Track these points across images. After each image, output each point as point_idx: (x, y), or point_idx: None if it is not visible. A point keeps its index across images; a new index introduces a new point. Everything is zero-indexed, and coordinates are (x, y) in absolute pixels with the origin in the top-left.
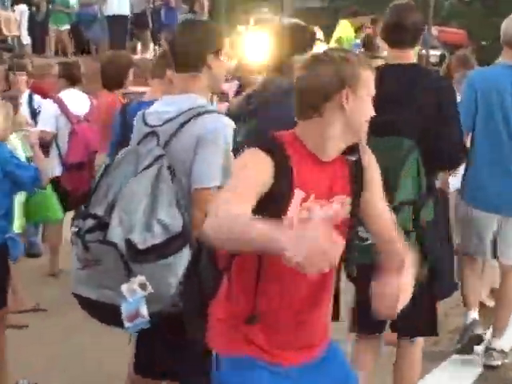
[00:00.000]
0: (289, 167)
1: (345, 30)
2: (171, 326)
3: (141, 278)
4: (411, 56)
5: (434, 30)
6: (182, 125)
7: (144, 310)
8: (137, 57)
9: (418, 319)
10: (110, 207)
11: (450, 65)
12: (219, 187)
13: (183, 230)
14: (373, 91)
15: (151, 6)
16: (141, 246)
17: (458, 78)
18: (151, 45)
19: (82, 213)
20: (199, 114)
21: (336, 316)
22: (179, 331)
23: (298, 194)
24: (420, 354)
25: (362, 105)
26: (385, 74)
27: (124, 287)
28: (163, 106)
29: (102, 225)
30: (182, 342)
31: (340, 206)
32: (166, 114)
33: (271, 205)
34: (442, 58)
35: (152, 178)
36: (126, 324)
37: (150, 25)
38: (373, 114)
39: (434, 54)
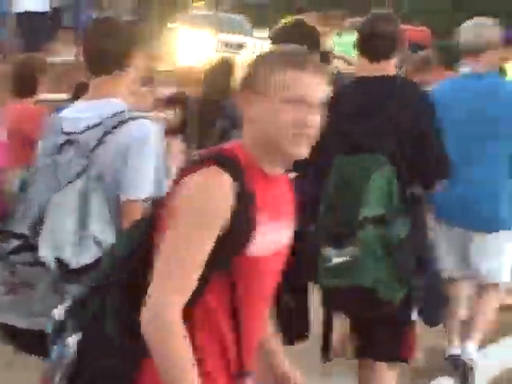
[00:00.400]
0: (250, 188)
1: None
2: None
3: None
4: (390, 68)
5: None
6: (106, 133)
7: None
8: (57, 59)
9: (390, 343)
10: (36, 225)
11: (410, 67)
12: (148, 199)
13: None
14: (305, 96)
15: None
16: (73, 266)
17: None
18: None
19: (2, 233)
20: (124, 122)
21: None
22: None
23: (261, 219)
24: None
25: (272, 111)
26: (358, 88)
27: (56, 312)
28: (79, 111)
29: (29, 245)
30: None
31: (287, 231)
32: (85, 121)
33: (232, 240)
34: (404, 58)
35: (80, 190)
36: (54, 355)
37: (73, 23)
38: (304, 123)
39: None
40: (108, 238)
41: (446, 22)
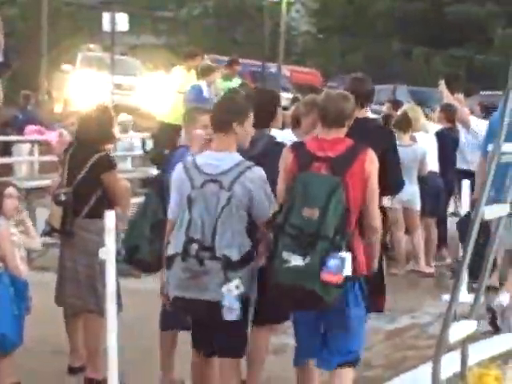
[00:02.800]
0: None
1: (180, 76)
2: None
3: (236, 281)
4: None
5: (286, 71)
6: (239, 175)
7: (237, 305)
8: None
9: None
10: (212, 233)
11: (297, 110)
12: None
13: (251, 248)
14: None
15: None
16: (234, 259)
17: (306, 125)
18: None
19: (186, 239)
20: (248, 167)
21: None
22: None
23: None
24: None
25: None
26: None
27: (224, 288)
28: (212, 159)
29: (205, 247)
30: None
31: None
32: (221, 166)
33: None
34: (295, 101)
35: (229, 212)
36: (226, 315)
37: None
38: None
39: (286, 96)
40: (247, 243)
41: (337, 65)
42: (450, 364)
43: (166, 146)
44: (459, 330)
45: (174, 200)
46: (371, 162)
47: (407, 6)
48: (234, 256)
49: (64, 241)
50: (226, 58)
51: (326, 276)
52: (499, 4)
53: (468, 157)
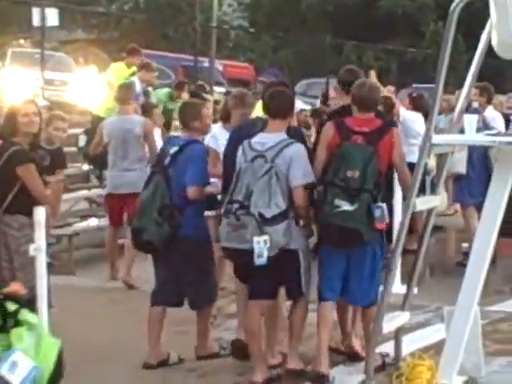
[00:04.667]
0: None
1: (117, 73)
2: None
3: (266, 236)
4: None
5: (219, 65)
6: (281, 149)
7: (265, 254)
8: None
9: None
10: (248, 196)
11: (227, 104)
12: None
13: (285, 209)
14: None
15: None
16: (267, 216)
17: (236, 118)
18: None
19: (229, 200)
20: (290, 143)
21: None
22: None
23: None
24: None
25: None
26: None
27: (256, 239)
28: (262, 139)
29: (243, 206)
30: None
31: None
32: (267, 144)
33: None
34: (227, 95)
35: (268, 179)
36: (256, 260)
37: None
38: None
39: (219, 90)
40: (282, 204)
41: (269, 59)
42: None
43: None
44: (392, 321)
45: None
46: (396, 136)
47: (339, 0)
48: (268, 214)
49: None
50: (158, 53)
51: (378, 224)
52: None
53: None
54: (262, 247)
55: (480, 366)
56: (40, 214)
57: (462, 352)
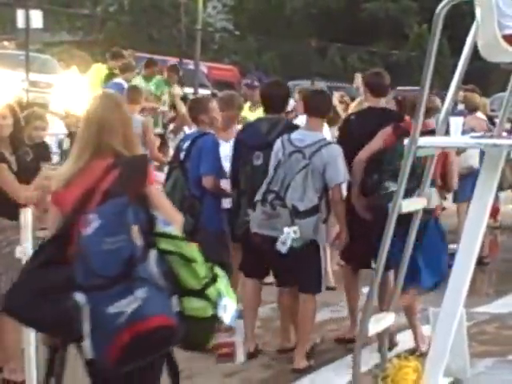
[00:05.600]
0: None
1: (96, 73)
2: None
3: (295, 227)
4: None
5: (203, 67)
6: (319, 148)
7: (289, 243)
8: None
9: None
10: (285, 188)
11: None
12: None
13: (317, 204)
14: None
15: None
16: (300, 209)
17: (223, 120)
18: None
19: (266, 190)
20: (327, 143)
21: None
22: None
23: None
24: None
25: None
26: None
27: (286, 229)
28: (302, 135)
29: (279, 197)
30: None
31: None
32: (306, 141)
33: None
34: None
35: (304, 175)
36: (278, 245)
37: None
38: None
39: (204, 93)
40: (314, 199)
41: (254, 62)
42: (370, 356)
43: None
44: (378, 323)
45: (271, 163)
46: None
47: (323, 2)
48: (301, 207)
49: None
50: (145, 55)
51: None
52: (414, 0)
53: None
54: (289, 236)
55: (466, 367)
56: (26, 215)
57: (447, 353)
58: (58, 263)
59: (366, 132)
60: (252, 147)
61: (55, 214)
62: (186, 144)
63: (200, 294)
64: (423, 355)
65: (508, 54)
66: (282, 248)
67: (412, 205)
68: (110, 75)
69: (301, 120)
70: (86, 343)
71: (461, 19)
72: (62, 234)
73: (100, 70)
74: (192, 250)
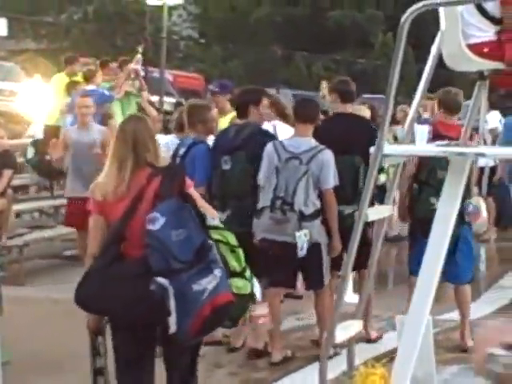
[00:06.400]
0: None
1: (58, 84)
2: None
3: (306, 230)
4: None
5: (169, 75)
6: (315, 154)
7: (306, 246)
8: None
9: None
10: (292, 194)
11: (181, 115)
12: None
13: (319, 208)
14: None
15: None
16: (306, 213)
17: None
18: None
19: (273, 196)
20: (322, 149)
21: None
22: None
23: None
24: None
25: None
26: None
27: (297, 234)
28: (295, 142)
29: (287, 202)
30: None
31: None
32: (301, 148)
33: None
34: (178, 105)
35: (306, 181)
36: (299, 253)
37: None
38: None
39: (169, 101)
40: (317, 202)
41: (219, 70)
42: (337, 363)
43: (46, 152)
44: (345, 330)
45: (264, 168)
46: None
47: (288, 10)
48: (307, 211)
49: None
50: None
51: (472, 218)
52: (379, 9)
53: None
54: (303, 240)
55: (432, 374)
56: None
57: (414, 360)
58: (119, 259)
59: (335, 137)
60: (221, 152)
61: (101, 222)
62: (182, 151)
63: (241, 274)
64: (467, 350)
65: (472, 63)
66: (302, 253)
67: (378, 213)
68: (72, 83)
69: (267, 126)
70: (172, 318)
71: (425, 27)
72: (119, 236)
73: (61, 78)
74: (234, 238)
